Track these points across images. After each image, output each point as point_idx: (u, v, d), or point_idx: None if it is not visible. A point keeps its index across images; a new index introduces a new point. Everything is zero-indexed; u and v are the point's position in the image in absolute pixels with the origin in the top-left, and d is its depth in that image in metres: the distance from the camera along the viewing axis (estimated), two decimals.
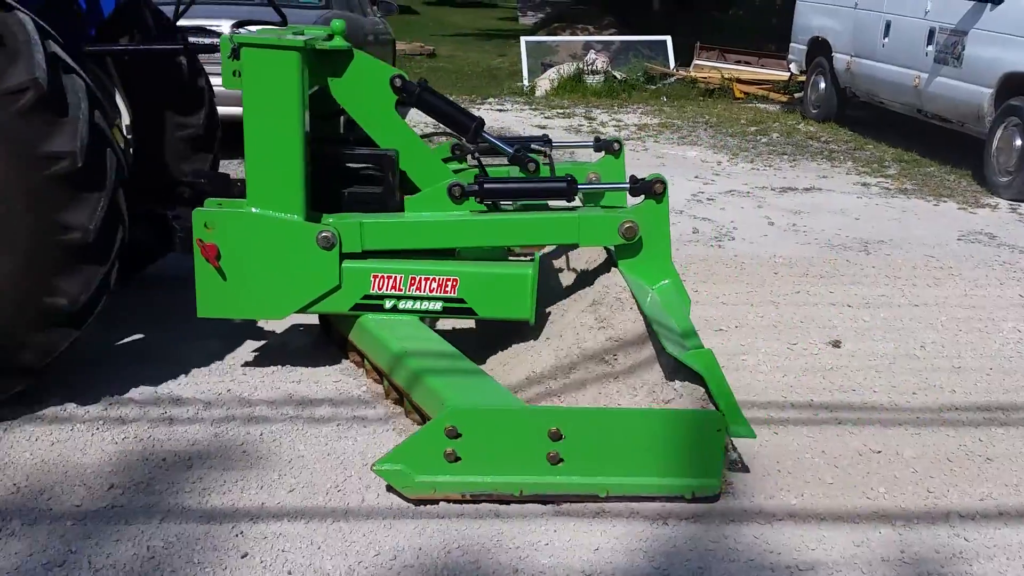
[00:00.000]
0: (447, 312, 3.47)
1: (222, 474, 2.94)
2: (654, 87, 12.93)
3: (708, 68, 13.43)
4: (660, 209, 3.43)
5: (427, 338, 3.36)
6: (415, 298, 3.40)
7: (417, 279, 3.38)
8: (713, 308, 4.52)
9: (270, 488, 2.87)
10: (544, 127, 9.84)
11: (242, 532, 2.66)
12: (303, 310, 3.43)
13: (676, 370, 3.00)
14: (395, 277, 3.38)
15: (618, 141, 4.17)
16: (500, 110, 11.18)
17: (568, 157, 7.07)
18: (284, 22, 3.99)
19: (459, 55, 19.22)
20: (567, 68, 13.18)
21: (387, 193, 3.55)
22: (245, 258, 3.31)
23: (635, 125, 10.23)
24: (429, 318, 3.57)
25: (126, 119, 4.32)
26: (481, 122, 3.64)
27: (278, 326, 4.06)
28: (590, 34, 17.54)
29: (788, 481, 3.03)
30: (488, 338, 3.81)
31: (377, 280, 3.38)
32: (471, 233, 3.46)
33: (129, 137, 4.31)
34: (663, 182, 3.39)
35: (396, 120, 3.57)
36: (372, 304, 3.40)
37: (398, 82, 3.49)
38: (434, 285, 3.39)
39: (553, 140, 4.12)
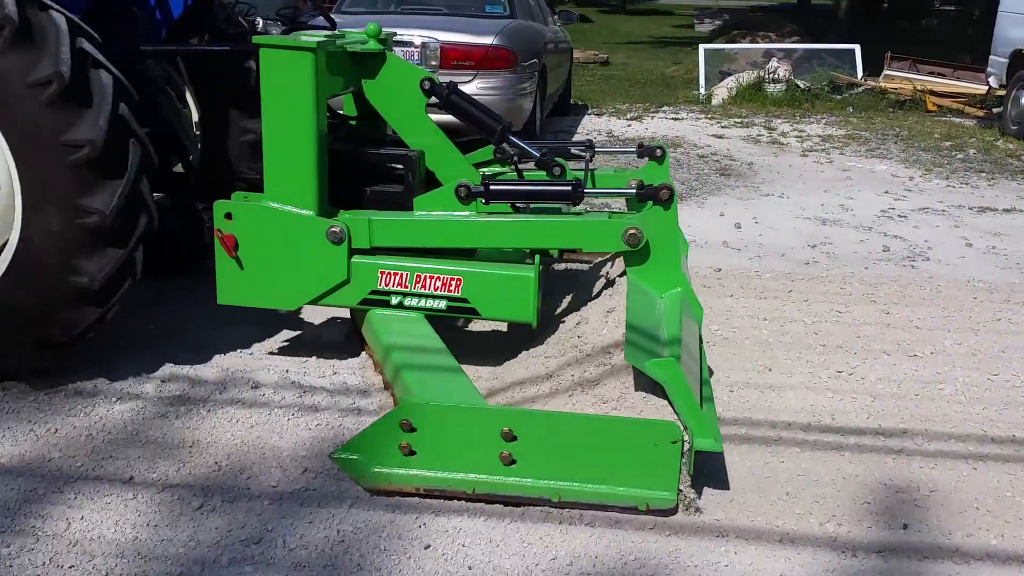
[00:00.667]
0: (451, 311, 3.49)
1: None
2: (840, 97, 12.47)
3: (899, 79, 12.83)
4: (667, 216, 3.33)
5: (419, 334, 3.39)
6: (420, 295, 3.45)
7: (423, 277, 3.43)
8: (906, 332, 4.29)
9: None
10: (721, 136, 9.67)
11: (425, 524, 2.72)
12: (314, 302, 3.51)
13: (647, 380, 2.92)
14: (402, 274, 3.43)
15: (661, 147, 4.13)
16: (675, 118, 11.05)
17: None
18: (333, 26, 4.04)
19: (632, 63, 19.16)
20: (746, 76, 12.89)
21: (407, 192, 3.62)
22: (260, 249, 3.43)
23: (819, 136, 9.88)
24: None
25: (195, 116, 4.56)
26: (508, 125, 3.74)
27: (463, 322, 4.14)
28: (771, 42, 17.09)
29: (987, 520, 2.84)
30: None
31: (384, 276, 3.44)
32: (474, 234, 3.48)
33: (197, 133, 4.53)
34: (670, 188, 3.30)
35: (425, 121, 3.66)
36: (379, 299, 3.47)
37: (427, 85, 3.61)
38: (439, 284, 3.43)
39: (597, 145, 4.14)
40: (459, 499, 2.81)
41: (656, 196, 3.31)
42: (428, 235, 3.49)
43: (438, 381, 3.10)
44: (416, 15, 8.40)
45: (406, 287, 3.44)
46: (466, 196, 3.47)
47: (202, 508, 2.78)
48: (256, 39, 3.37)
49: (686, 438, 2.71)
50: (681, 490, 2.79)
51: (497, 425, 2.73)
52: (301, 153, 3.36)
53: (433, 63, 7.52)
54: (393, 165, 3.68)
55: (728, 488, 2.94)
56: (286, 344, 3.92)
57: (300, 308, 3.61)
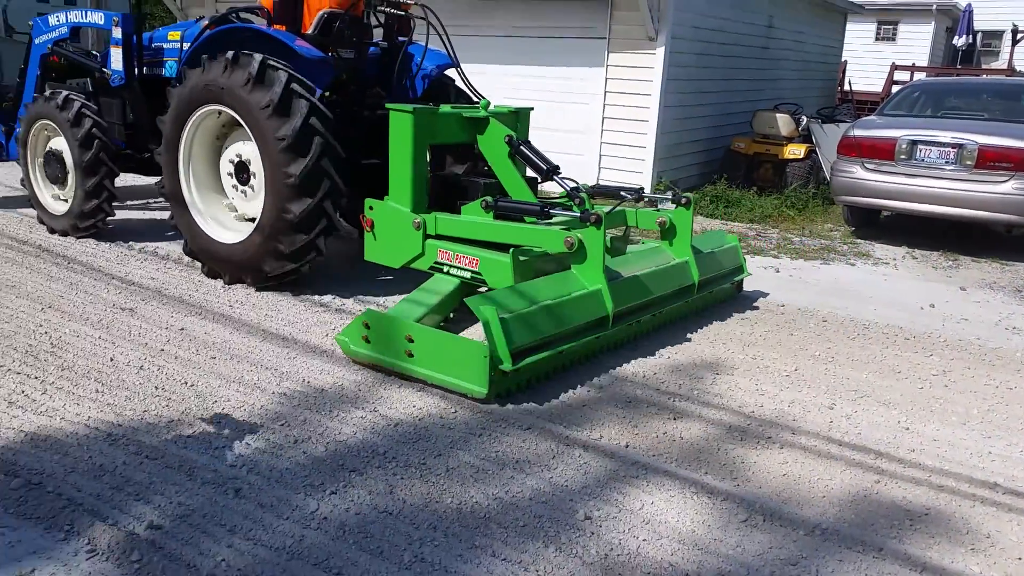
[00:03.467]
0: (473, 280, 5.13)
1: (933, 535, 3.23)
2: None
3: None
4: (596, 233, 4.74)
5: (439, 286, 5.14)
6: (457, 267, 5.21)
7: (458, 256, 5.19)
8: None
9: (987, 567, 3.08)
10: None
11: None
12: (406, 265, 5.44)
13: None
14: (449, 252, 5.25)
15: (687, 197, 5.65)
16: None
17: None
18: (478, 98, 6.01)
19: None
20: None
21: None
22: (383, 229, 5.51)
23: None
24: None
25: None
26: (555, 167, 5.53)
27: None
28: None
29: None
30: None
31: (441, 253, 5.29)
32: (484, 232, 5.18)
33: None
34: (599, 215, 4.74)
35: (507, 163, 5.69)
36: (439, 267, 5.32)
37: (506, 139, 5.60)
38: (467, 261, 5.15)
39: (647, 193, 5.87)
40: (385, 373, 4.43)
41: (588, 219, 4.76)
42: (460, 230, 5.27)
43: (408, 307, 4.83)
44: (954, 119, 8.82)
45: (451, 261, 5.23)
46: (485, 208, 5.25)
47: (747, 522, 3.25)
48: (388, 104, 5.38)
49: None
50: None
51: (404, 332, 4.34)
52: (404, 173, 5.35)
53: (968, 162, 8.00)
54: (471, 188, 5.70)
55: None
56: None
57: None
